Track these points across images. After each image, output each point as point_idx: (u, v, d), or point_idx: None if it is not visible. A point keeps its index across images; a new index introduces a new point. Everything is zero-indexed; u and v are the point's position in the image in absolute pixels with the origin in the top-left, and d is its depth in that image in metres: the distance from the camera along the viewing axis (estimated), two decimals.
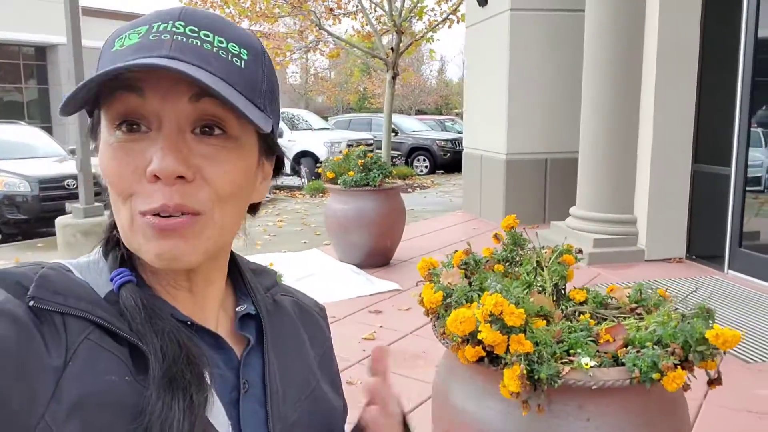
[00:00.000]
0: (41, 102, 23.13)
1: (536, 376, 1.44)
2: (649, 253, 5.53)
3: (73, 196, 6.49)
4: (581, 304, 1.91)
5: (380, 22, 12.29)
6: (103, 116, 0.59)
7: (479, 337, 1.47)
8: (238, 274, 0.74)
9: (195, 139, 0.57)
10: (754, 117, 4.90)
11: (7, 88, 22.76)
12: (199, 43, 0.57)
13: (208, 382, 0.58)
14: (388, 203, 5.28)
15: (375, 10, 12.33)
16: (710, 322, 1.62)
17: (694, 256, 5.49)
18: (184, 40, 0.56)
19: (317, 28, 11.98)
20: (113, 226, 0.64)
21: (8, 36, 21.29)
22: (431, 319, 1.78)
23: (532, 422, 1.53)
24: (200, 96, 0.56)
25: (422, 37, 11.78)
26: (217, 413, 0.60)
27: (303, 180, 12.46)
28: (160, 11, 0.59)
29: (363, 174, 5.14)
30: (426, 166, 15.62)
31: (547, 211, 7.47)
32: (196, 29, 0.57)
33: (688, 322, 1.54)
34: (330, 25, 13.16)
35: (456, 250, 1.94)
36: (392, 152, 14.78)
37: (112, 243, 0.64)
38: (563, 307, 1.88)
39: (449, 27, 11.99)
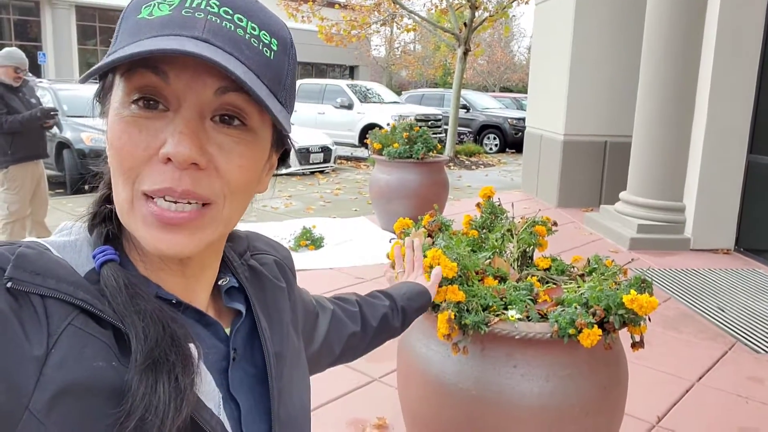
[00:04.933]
0: None
1: (463, 322, 1.63)
2: (695, 243, 5.43)
3: None
4: (546, 270, 2.07)
5: None
6: (118, 84, 0.56)
7: None
8: None
9: (214, 127, 0.56)
10: None
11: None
12: (233, 27, 0.55)
13: (195, 361, 0.57)
14: (430, 176, 5.45)
15: None
16: (645, 292, 1.75)
17: (742, 249, 5.35)
18: (218, 21, 0.54)
19: (393, 1, 12.10)
20: (104, 200, 0.63)
21: (111, 2, 22.72)
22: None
23: (466, 364, 1.73)
24: (226, 90, 0.55)
25: (497, 12, 11.65)
26: (207, 387, 0.60)
27: (369, 152, 12.77)
28: None
29: (407, 146, 5.34)
30: (496, 144, 15.48)
31: (603, 195, 7.38)
32: (231, 11, 0.56)
33: (617, 289, 1.68)
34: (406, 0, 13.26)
35: (424, 214, 2.13)
36: (462, 129, 14.78)
37: (100, 218, 0.62)
38: (527, 272, 2.05)
39: (526, 3, 11.79)
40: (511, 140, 15.24)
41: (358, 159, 12.74)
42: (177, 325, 0.57)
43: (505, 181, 10.24)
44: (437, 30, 12.21)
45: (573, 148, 7.33)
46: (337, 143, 11.47)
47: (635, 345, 1.69)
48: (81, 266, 0.58)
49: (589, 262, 1.94)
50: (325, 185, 8.92)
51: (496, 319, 1.66)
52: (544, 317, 1.70)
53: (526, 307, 1.69)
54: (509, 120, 15.38)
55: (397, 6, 12.34)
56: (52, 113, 4.27)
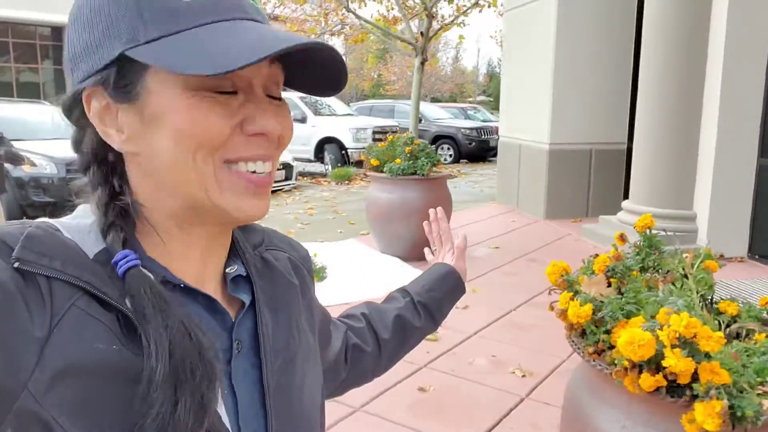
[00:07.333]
0: (57, 82, 22.98)
1: (739, 413, 1.17)
2: None
3: None
4: (735, 317, 1.64)
5: (406, 6, 11.92)
6: (166, 77, 0.54)
7: (665, 363, 1.20)
8: None
9: (267, 100, 0.59)
10: None
11: (22, 68, 22.63)
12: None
13: (220, 374, 0.56)
14: (434, 193, 5.02)
15: None
16: None
17: (756, 256, 5.19)
18: None
19: (344, 10, 11.63)
20: (113, 195, 0.59)
21: (24, 15, 21.09)
22: (571, 333, 1.52)
23: None
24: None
25: (452, 21, 11.41)
26: None
27: (327, 167, 12.19)
28: None
29: (410, 162, 4.87)
30: (450, 155, 15.26)
31: (590, 205, 7.19)
32: None
33: None
34: (356, 9, 12.80)
35: (553, 262, 1.66)
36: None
37: (111, 216, 0.58)
38: (718, 322, 1.62)
39: (480, 11, 11.62)
40: (465, 150, 15.12)
41: (313, 174, 12.14)
42: (203, 334, 0.55)
43: (475, 193, 9.93)
44: (394, 40, 11.85)
45: (559, 158, 7.09)
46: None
47: None
48: (90, 247, 0.57)
49: None
50: (294, 205, 8.30)
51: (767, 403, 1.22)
52: None
53: None
54: (462, 130, 15.24)
55: (347, 15, 11.89)
56: (19, 159, 3.60)
